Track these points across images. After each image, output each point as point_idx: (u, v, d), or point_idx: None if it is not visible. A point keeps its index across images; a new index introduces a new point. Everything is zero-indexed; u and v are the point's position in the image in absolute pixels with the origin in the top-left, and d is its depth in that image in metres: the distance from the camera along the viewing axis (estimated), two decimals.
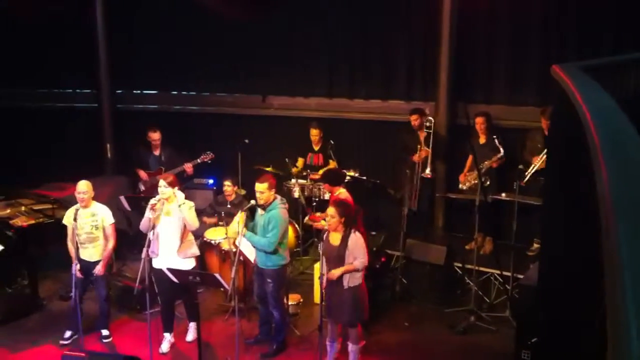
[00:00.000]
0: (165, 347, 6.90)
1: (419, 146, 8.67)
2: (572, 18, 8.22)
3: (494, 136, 8.01)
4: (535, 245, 8.23)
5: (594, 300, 2.65)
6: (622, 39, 7.76)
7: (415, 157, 8.68)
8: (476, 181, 8.19)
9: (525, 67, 8.63)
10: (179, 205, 6.63)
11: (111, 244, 6.91)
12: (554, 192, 4.26)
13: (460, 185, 8.41)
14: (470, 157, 8.58)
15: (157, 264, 6.63)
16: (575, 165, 3.13)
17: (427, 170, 8.57)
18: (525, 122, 8.54)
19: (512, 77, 8.82)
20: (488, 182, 7.81)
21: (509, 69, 8.82)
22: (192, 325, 7.05)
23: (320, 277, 6.21)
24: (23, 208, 8.17)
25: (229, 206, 8.12)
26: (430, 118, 8.69)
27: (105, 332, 7.10)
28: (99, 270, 6.80)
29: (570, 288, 3.59)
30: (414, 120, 8.75)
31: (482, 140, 8.45)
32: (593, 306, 2.74)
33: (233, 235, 7.00)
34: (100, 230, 6.83)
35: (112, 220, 6.93)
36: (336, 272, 6.02)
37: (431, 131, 8.64)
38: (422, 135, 8.73)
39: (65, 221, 6.85)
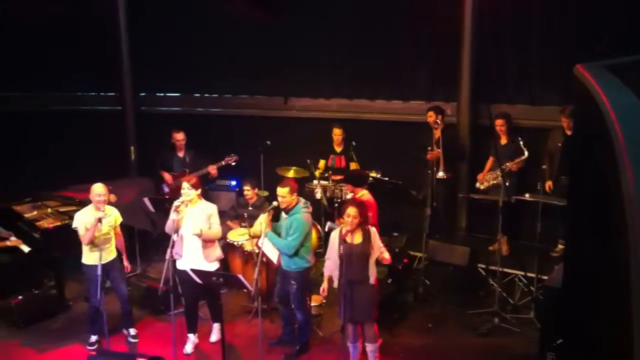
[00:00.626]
0: (189, 347, 6.96)
1: (433, 146, 8.61)
2: (591, 16, 8.12)
3: (520, 137, 7.95)
4: (560, 247, 8.16)
5: (620, 301, 2.62)
6: None
7: (429, 156, 8.64)
8: (494, 181, 8.16)
9: (547, 66, 8.55)
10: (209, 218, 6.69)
11: (122, 240, 7.08)
12: (577, 192, 4.22)
13: (477, 185, 8.36)
14: (491, 159, 8.54)
15: (180, 265, 6.69)
16: (598, 165, 3.09)
17: (440, 173, 8.52)
18: (548, 122, 8.46)
19: (534, 77, 8.75)
20: (507, 183, 7.76)
21: (531, 68, 8.75)
22: (216, 326, 7.09)
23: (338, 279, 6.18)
24: (49, 210, 8.28)
25: (250, 208, 8.15)
26: (437, 120, 8.59)
27: (132, 331, 7.18)
28: (127, 266, 7.01)
29: (595, 289, 3.55)
30: (429, 117, 8.73)
31: (504, 141, 8.40)
32: (618, 307, 2.71)
33: (255, 235, 7.04)
34: (112, 232, 6.92)
35: (122, 219, 7.05)
36: (385, 254, 6.15)
37: (439, 134, 8.55)
38: (436, 134, 8.66)
39: (77, 224, 6.76)
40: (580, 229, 3.84)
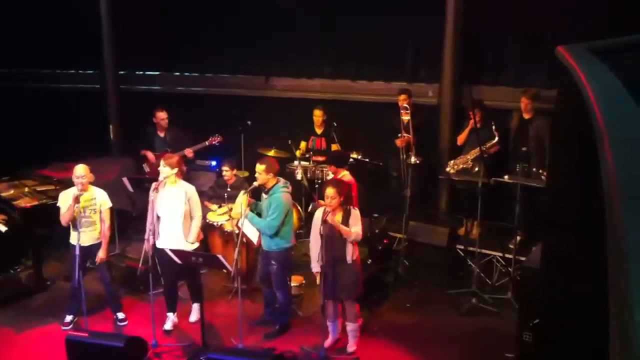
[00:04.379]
0: (168, 325, 6.95)
1: (402, 131, 8.51)
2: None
3: (492, 123, 7.93)
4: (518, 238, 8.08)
5: (596, 283, 2.65)
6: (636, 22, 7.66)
7: (398, 142, 8.61)
8: (464, 165, 8.13)
9: (533, 49, 8.55)
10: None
11: (107, 227, 6.86)
12: (557, 176, 4.24)
13: (447, 169, 8.30)
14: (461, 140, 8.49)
15: (160, 244, 6.64)
16: (580, 150, 3.10)
17: (413, 159, 8.31)
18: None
19: (518, 59, 8.76)
20: (477, 169, 7.78)
21: (515, 50, 8.77)
22: (196, 307, 7.08)
23: (319, 260, 6.19)
24: (26, 189, 8.18)
25: (229, 189, 8.12)
26: (406, 105, 8.43)
27: (120, 315, 7.11)
28: (100, 257, 6.79)
29: (573, 271, 3.58)
30: (402, 100, 8.57)
31: (479, 125, 8.38)
32: (595, 289, 2.74)
33: (236, 217, 7.02)
34: (98, 214, 6.80)
35: (110, 204, 6.91)
36: (339, 225, 6.04)
37: (408, 117, 8.40)
38: (405, 118, 8.52)
39: (60, 203, 6.75)
40: (559, 213, 3.86)
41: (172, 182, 6.66)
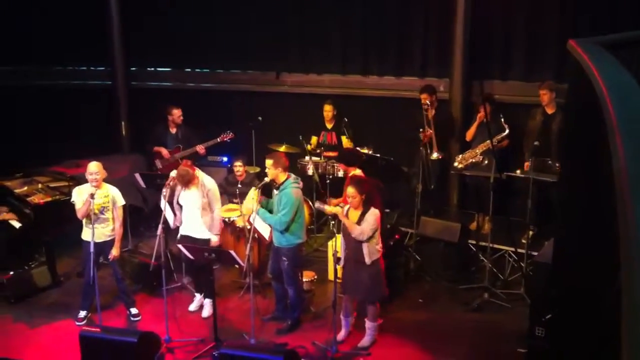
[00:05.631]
0: (193, 306, 7.24)
1: (425, 127, 8.53)
2: None
3: (501, 116, 7.89)
4: (531, 233, 8.06)
5: (609, 277, 2.64)
6: None
7: (422, 137, 8.60)
8: (473, 160, 8.11)
9: (542, 42, 8.51)
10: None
11: (119, 224, 6.92)
12: (569, 169, 4.23)
13: (455, 164, 8.28)
14: (470, 134, 8.49)
15: (183, 231, 6.99)
16: (592, 143, 3.09)
17: (435, 154, 8.40)
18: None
19: (528, 53, 8.71)
20: (486, 162, 7.75)
21: (525, 44, 8.70)
22: (208, 302, 7.13)
23: (334, 254, 6.24)
24: (40, 185, 8.24)
25: (240, 186, 8.15)
26: (428, 102, 8.41)
27: (133, 311, 7.16)
28: (114, 255, 6.85)
29: (586, 265, 3.57)
30: (424, 99, 8.65)
31: (488, 118, 8.34)
32: (607, 283, 2.73)
33: (247, 213, 7.05)
34: (111, 212, 6.85)
35: (123, 202, 6.96)
36: (342, 216, 6.10)
37: (433, 112, 8.40)
38: (430, 114, 8.56)
39: (74, 199, 6.81)
40: (571, 206, 3.85)
41: (192, 184, 6.90)
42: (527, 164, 7.72)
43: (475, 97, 8.81)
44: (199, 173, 6.94)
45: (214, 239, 6.97)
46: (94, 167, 6.70)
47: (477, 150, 8.09)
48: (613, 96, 2.38)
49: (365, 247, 6.13)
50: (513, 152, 8.23)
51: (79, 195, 6.75)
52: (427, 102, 8.50)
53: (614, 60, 3.01)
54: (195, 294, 7.28)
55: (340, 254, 6.38)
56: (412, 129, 8.78)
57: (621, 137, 1.95)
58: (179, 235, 7.09)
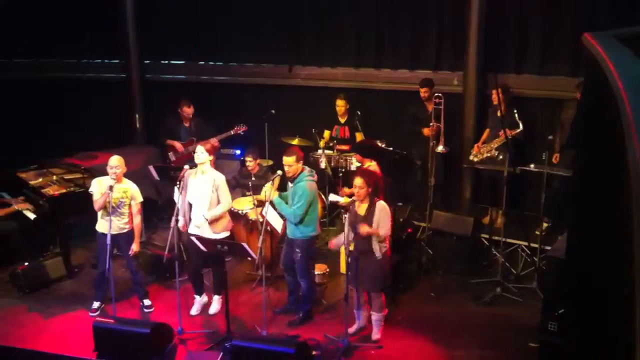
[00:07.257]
0: (195, 310, 7.09)
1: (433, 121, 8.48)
2: None
3: (515, 110, 7.84)
4: (544, 225, 8.04)
5: (622, 272, 2.63)
6: None
7: (426, 131, 8.55)
8: (489, 154, 8.09)
9: (557, 35, 8.45)
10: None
11: (138, 220, 6.96)
12: (583, 162, 4.20)
13: (471, 157, 8.26)
14: (487, 130, 8.50)
15: (191, 229, 6.83)
16: (605, 135, 3.07)
17: (440, 147, 8.32)
18: (556, 93, 8.40)
19: (543, 47, 8.65)
20: (501, 157, 7.72)
21: (540, 37, 8.65)
22: (216, 298, 7.15)
23: (346, 248, 6.24)
24: (54, 177, 8.30)
25: (253, 179, 8.16)
26: (439, 94, 8.32)
27: (146, 302, 7.20)
28: (134, 250, 6.91)
29: (599, 260, 3.55)
30: (424, 92, 8.65)
31: (503, 107, 8.29)
32: (621, 279, 2.72)
33: (261, 204, 7.06)
34: (127, 207, 6.87)
35: (141, 199, 6.99)
36: (365, 230, 6.03)
37: (441, 107, 8.30)
38: (430, 107, 8.54)
39: (93, 189, 6.85)
40: (585, 199, 3.83)
41: (203, 170, 6.74)
42: (555, 156, 7.77)
43: (490, 90, 8.77)
44: (209, 168, 6.89)
45: (218, 236, 6.80)
46: (115, 161, 6.73)
47: (493, 145, 8.07)
48: (629, 91, 2.36)
49: (375, 242, 6.14)
50: (528, 146, 8.20)
51: (98, 187, 6.79)
52: (426, 96, 8.59)
53: (631, 54, 2.99)
54: (195, 296, 7.17)
55: (340, 244, 6.41)
56: (410, 123, 8.80)
57: (636, 130, 1.94)
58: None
